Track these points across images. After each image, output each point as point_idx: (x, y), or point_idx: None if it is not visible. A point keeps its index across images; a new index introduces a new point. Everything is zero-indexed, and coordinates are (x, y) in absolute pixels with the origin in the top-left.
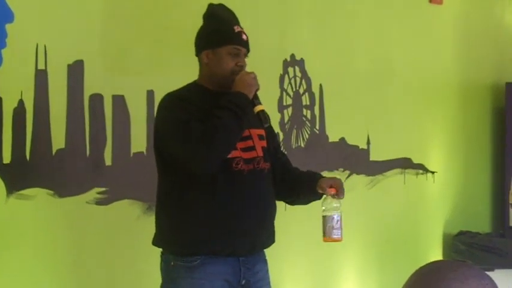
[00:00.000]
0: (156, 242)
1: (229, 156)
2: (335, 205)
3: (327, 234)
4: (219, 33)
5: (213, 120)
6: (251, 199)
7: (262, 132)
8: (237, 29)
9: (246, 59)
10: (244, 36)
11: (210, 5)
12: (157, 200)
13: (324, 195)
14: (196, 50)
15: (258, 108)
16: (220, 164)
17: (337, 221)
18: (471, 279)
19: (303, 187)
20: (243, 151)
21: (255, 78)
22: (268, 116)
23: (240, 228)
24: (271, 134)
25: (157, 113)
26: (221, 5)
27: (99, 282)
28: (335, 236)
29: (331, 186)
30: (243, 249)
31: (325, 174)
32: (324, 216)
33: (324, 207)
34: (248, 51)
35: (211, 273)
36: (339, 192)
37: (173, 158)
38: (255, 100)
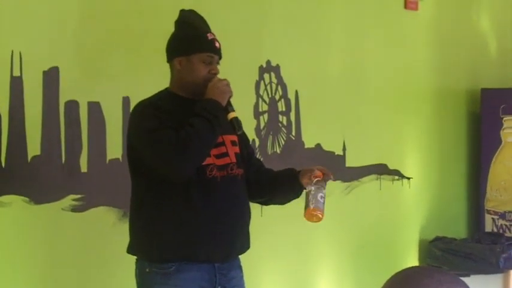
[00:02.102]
0: (130, 250)
1: (204, 163)
2: (321, 184)
3: (311, 206)
4: (193, 40)
5: (186, 128)
6: (225, 205)
7: (235, 138)
8: (210, 36)
9: (218, 67)
10: (217, 44)
11: (182, 11)
12: (131, 208)
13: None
14: (168, 56)
15: (231, 115)
16: (195, 171)
17: (322, 197)
18: (446, 285)
19: (282, 183)
20: (217, 158)
21: (228, 85)
22: (240, 122)
23: (214, 234)
24: (244, 140)
25: (129, 121)
26: (192, 11)
27: None
28: (319, 209)
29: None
30: (218, 255)
31: None
32: (308, 191)
33: (310, 188)
34: (220, 58)
35: (187, 280)
36: (327, 175)
37: (147, 166)
38: (229, 107)
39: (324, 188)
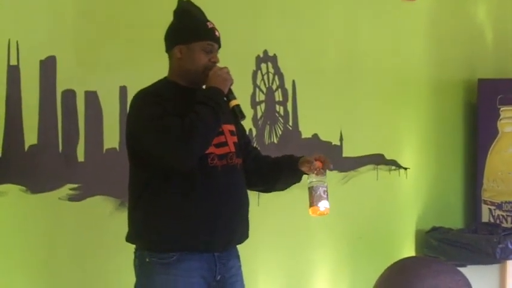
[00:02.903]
0: (130, 239)
1: (205, 152)
2: (322, 177)
3: (315, 203)
4: (193, 29)
5: (190, 116)
6: (225, 195)
7: (233, 127)
8: (210, 25)
9: (218, 56)
10: (216, 33)
11: (180, 1)
12: (130, 197)
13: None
14: (167, 45)
15: (233, 102)
16: (198, 160)
17: (325, 191)
18: (443, 275)
19: (283, 170)
20: (216, 147)
21: (228, 72)
22: (242, 110)
23: (215, 224)
24: (241, 130)
25: (130, 110)
26: (190, 2)
27: (71, 279)
28: (324, 206)
29: (316, 160)
30: (218, 245)
31: None
32: (311, 187)
33: (310, 180)
34: (220, 47)
35: (187, 270)
36: (326, 164)
37: (148, 155)
38: (230, 95)
39: (325, 179)
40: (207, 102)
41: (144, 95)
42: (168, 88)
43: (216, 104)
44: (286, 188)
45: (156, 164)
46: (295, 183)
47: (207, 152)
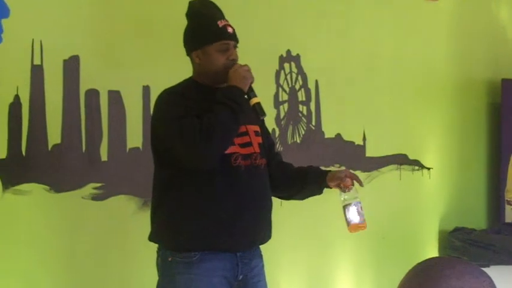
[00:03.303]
0: (152, 238)
1: (228, 151)
2: (354, 193)
3: (353, 222)
4: (204, 32)
5: (209, 116)
6: (249, 195)
7: (257, 128)
8: (221, 23)
9: (236, 51)
10: (230, 29)
11: (191, 3)
12: (154, 196)
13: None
14: (186, 51)
15: (253, 100)
16: (219, 159)
17: (360, 207)
18: (468, 275)
19: (309, 181)
20: (241, 147)
21: (248, 70)
22: (263, 108)
23: (238, 224)
24: (265, 132)
25: (154, 109)
26: (200, 1)
27: (94, 278)
28: (361, 222)
29: (346, 177)
30: (241, 245)
31: None
32: (346, 205)
33: (343, 197)
34: (237, 42)
35: (210, 269)
36: (358, 182)
37: (170, 154)
38: (250, 93)
39: (358, 195)
40: (225, 102)
41: (167, 95)
42: (193, 88)
43: (234, 103)
44: (305, 199)
45: (177, 163)
46: (316, 195)
47: (230, 151)
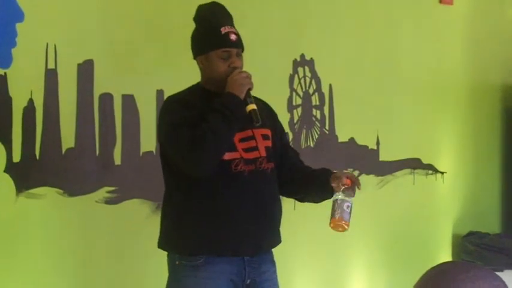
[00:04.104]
0: (160, 245)
1: (228, 158)
2: (349, 192)
3: (337, 216)
4: (207, 38)
5: (202, 125)
6: (252, 200)
7: (267, 132)
8: (224, 30)
9: (241, 57)
10: (233, 37)
11: (199, 7)
12: (163, 201)
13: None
14: (193, 55)
15: (249, 107)
16: (219, 166)
17: (349, 207)
18: (482, 280)
19: (314, 183)
20: (245, 151)
21: (247, 77)
22: (259, 115)
23: (242, 229)
24: (279, 132)
25: (158, 116)
26: (210, 4)
27: (107, 281)
28: (345, 220)
29: (346, 178)
30: (247, 250)
31: None
32: (335, 200)
33: (336, 194)
34: (242, 50)
35: (216, 272)
36: (356, 183)
37: (170, 160)
38: (248, 99)
39: (352, 197)
40: (219, 110)
41: (169, 102)
42: (198, 94)
43: (227, 110)
44: (318, 202)
45: (177, 170)
46: (326, 198)
47: (231, 157)
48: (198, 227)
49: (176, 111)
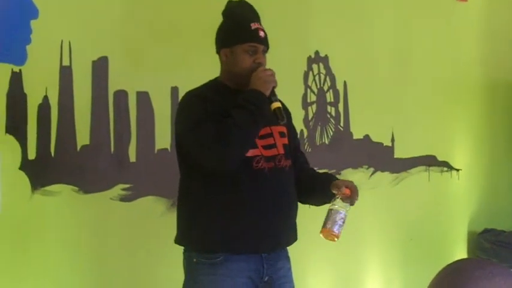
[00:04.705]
0: (178, 241)
1: (250, 154)
2: (345, 204)
3: (328, 226)
4: (235, 31)
5: (227, 120)
6: (273, 197)
7: (283, 129)
8: (253, 26)
9: (265, 56)
10: (261, 33)
11: (229, 2)
12: (179, 198)
13: (336, 195)
14: (216, 48)
15: (274, 105)
16: (241, 162)
17: (342, 218)
18: (498, 277)
19: (317, 187)
20: (264, 149)
21: (272, 75)
22: (284, 113)
23: (262, 226)
24: (292, 132)
25: (176, 112)
26: (240, 2)
27: (122, 278)
28: (335, 231)
29: (346, 187)
30: (265, 247)
31: (349, 171)
32: (331, 209)
33: (333, 203)
34: (267, 48)
35: (234, 270)
36: (353, 194)
37: (190, 157)
38: (272, 97)
39: (347, 207)
40: (245, 106)
41: (189, 97)
42: (216, 89)
43: (254, 106)
44: (318, 205)
45: (197, 166)
46: (326, 203)
47: (253, 154)
48: (218, 224)
49: (197, 106)
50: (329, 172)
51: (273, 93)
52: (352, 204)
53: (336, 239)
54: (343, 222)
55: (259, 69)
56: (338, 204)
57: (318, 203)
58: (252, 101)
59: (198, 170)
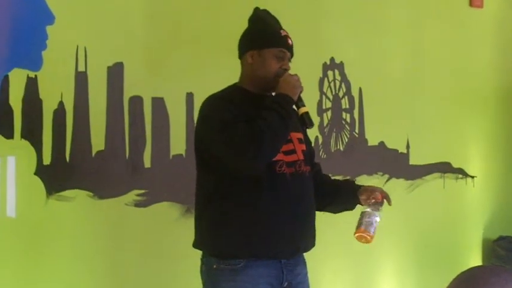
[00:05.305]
0: (197, 245)
1: (274, 159)
2: (378, 207)
3: (363, 227)
4: (266, 35)
5: (258, 122)
6: (294, 202)
7: (301, 135)
8: (283, 33)
9: (290, 64)
10: (289, 41)
11: (256, 9)
12: (198, 203)
13: (371, 199)
14: (240, 52)
15: (302, 110)
16: (264, 167)
17: (377, 221)
18: None
19: (341, 194)
20: (285, 154)
21: (299, 80)
22: (311, 118)
23: (283, 231)
24: (307, 141)
25: (199, 115)
26: (266, 11)
27: (137, 284)
28: (371, 233)
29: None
30: (286, 252)
31: (364, 178)
32: (365, 212)
33: (367, 206)
34: (292, 55)
35: (255, 276)
36: (387, 199)
37: (217, 159)
38: (299, 102)
39: (380, 211)
40: (275, 108)
41: (214, 100)
42: (238, 94)
43: (284, 110)
44: (337, 212)
45: (224, 168)
46: (347, 210)
47: (275, 159)
48: (239, 229)
49: (224, 109)
50: (344, 178)
51: (299, 98)
52: (381, 210)
53: (370, 240)
54: (377, 225)
55: (286, 73)
56: (373, 208)
57: (338, 209)
58: (282, 104)
59: (222, 173)
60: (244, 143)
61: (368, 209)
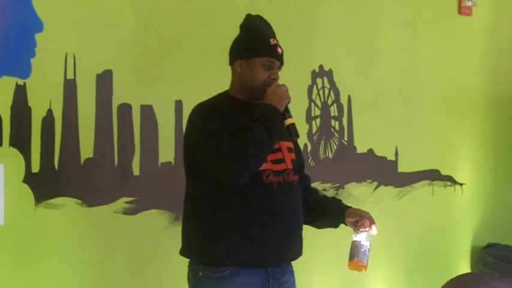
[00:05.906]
0: (183, 253)
1: (261, 168)
2: (370, 238)
3: (356, 258)
4: (255, 44)
5: (244, 133)
6: (281, 211)
7: (291, 145)
8: (272, 41)
9: (279, 73)
10: (279, 50)
11: (248, 16)
12: (185, 210)
13: (360, 227)
14: (230, 59)
15: (288, 121)
16: (251, 176)
17: (369, 249)
18: None
19: (327, 212)
20: (274, 163)
21: (286, 91)
22: (297, 129)
23: (270, 240)
24: (297, 151)
25: (188, 124)
26: (259, 17)
27: None
28: (365, 263)
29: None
30: (272, 261)
31: (353, 185)
32: (358, 242)
33: (358, 234)
34: (282, 64)
35: (240, 284)
36: (375, 226)
37: (204, 168)
38: (286, 113)
39: (370, 238)
40: (262, 121)
41: (201, 109)
42: (227, 102)
43: (271, 122)
44: (320, 228)
45: (210, 178)
46: (331, 227)
47: (263, 168)
48: (225, 237)
49: (212, 118)
50: (333, 186)
51: (286, 109)
52: (371, 237)
53: (364, 270)
54: (369, 253)
55: (274, 84)
56: (363, 236)
57: (322, 226)
58: (268, 116)
59: (210, 182)
60: (229, 153)
61: (358, 239)
